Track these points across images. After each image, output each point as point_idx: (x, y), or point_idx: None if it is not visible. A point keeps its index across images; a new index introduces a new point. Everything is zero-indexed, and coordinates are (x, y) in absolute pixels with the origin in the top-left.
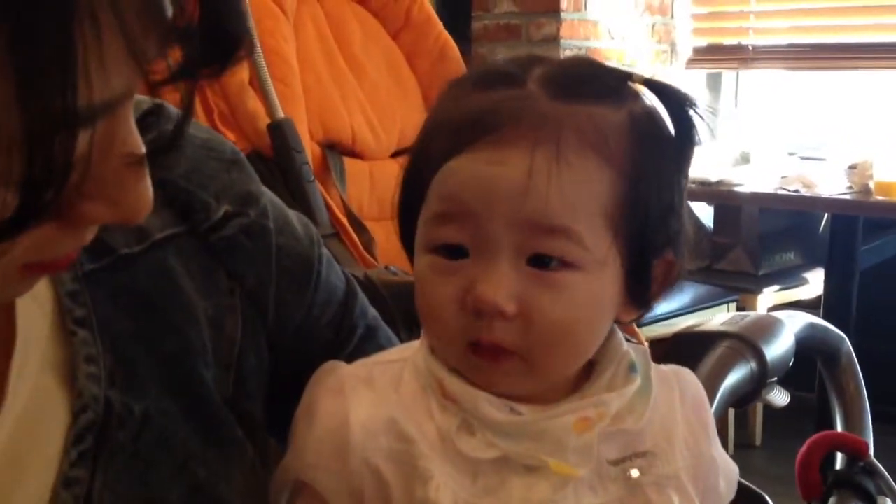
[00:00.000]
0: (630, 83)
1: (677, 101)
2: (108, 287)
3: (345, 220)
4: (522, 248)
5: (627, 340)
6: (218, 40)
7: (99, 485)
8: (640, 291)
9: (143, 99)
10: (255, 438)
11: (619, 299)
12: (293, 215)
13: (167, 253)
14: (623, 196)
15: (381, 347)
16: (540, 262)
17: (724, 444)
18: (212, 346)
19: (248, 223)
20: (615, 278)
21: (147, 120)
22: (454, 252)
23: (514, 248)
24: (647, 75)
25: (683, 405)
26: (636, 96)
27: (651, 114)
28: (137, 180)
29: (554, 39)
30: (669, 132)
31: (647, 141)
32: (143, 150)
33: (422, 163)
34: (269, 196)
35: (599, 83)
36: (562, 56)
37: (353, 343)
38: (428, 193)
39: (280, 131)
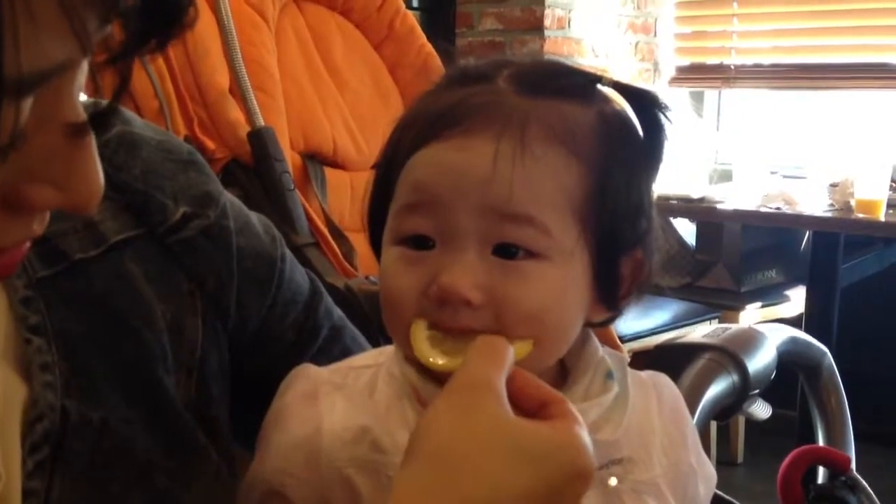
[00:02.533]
0: (599, 86)
1: (646, 104)
2: (63, 293)
3: (325, 230)
4: (488, 236)
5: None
6: (161, 12)
7: (56, 495)
8: (609, 290)
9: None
10: (218, 443)
11: (589, 296)
12: (254, 216)
13: (124, 256)
14: (591, 190)
15: (346, 348)
16: (506, 251)
17: None
18: (172, 351)
19: (208, 224)
20: (584, 271)
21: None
22: (421, 243)
23: (479, 236)
24: (615, 78)
25: (661, 412)
26: (606, 99)
27: (620, 115)
28: (85, 161)
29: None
30: (639, 134)
31: (616, 140)
32: (83, 118)
33: (391, 158)
34: (228, 197)
35: (568, 81)
36: None
37: (318, 344)
38: (397, 186)
39: (260, 140)
